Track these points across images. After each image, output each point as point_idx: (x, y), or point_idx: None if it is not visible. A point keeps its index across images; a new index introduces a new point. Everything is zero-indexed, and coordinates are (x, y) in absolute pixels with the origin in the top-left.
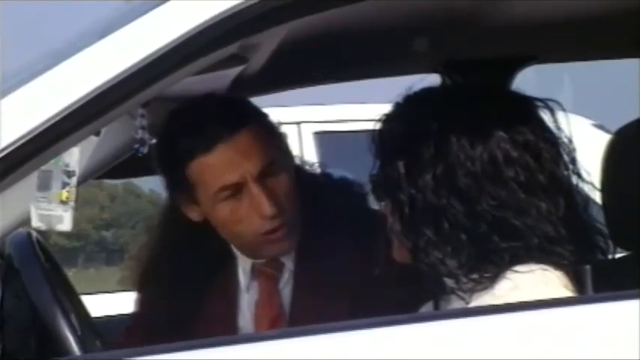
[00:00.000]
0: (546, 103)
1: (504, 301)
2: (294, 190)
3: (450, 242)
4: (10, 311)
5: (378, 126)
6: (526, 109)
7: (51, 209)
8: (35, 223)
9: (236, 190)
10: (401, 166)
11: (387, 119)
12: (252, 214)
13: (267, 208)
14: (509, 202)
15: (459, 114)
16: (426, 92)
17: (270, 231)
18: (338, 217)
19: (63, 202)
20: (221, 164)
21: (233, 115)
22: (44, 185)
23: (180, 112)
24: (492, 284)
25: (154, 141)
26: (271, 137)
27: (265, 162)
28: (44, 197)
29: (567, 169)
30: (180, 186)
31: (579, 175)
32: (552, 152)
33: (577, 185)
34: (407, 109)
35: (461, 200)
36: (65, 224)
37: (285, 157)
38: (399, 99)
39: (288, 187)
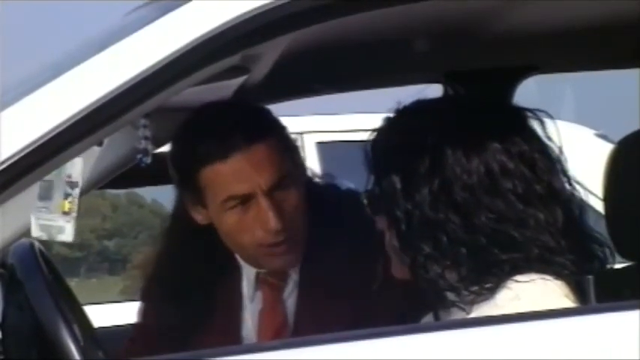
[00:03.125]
0: (536, 114)
1: (505, 311)
2: (303, 204)
3: (450, 256)
4: (12, 322)
5: (371, 138)
6: (518, 120)
7: (52, 219)
8: (35, 233)
9: (244, 200)
10: (397, 181)
11: (381, 132)
12: (256, 226)
13: (274, 222)
14: (508, 214)
15: (453, 126)
16: (420, 105)
17: (272, 244)
18: (343, 227)
19: (65, 213)
20: (233, 174)
21: (253, 127)
22: (45, 195)
23: (201, 116)
24: (493, 294)
25: (156, 151)
26: (287, 152)
27: (278, 176)
28: (45, 207)
29: (562, 179)
30: (191, 187)
31: (572, 185)
32: (547, 162)
33: (573, 195)
34: (400, 123)
35: (459, 214)
36: (67, 235)
37: (297, 172)
38: (391, 112)
39: (298, 202)
